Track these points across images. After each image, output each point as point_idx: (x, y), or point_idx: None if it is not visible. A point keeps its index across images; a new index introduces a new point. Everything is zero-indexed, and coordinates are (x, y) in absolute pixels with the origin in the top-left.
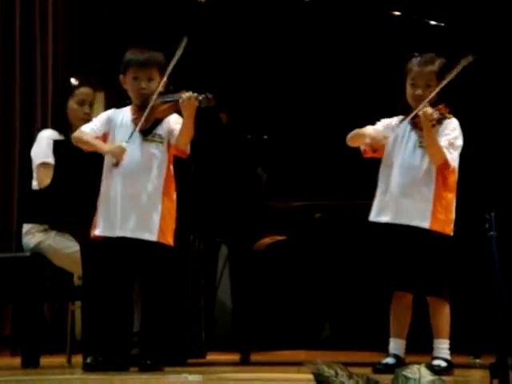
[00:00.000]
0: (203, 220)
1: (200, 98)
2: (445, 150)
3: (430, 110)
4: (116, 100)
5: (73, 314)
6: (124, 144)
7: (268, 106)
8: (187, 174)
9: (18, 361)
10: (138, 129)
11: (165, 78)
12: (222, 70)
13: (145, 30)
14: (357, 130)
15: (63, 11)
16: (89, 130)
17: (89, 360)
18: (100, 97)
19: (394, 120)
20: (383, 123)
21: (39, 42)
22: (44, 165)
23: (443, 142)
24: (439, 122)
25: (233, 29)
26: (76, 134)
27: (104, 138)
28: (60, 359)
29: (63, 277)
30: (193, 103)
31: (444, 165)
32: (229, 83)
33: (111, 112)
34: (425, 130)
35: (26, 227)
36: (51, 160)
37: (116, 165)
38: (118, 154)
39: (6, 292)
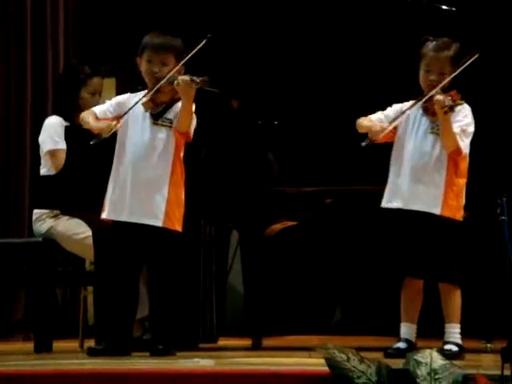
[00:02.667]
0: (214, 206)
1: (195, 78)
2: (458, 137)
3: (441, 97)
4: (127, 86)
5: (85, 299)
6: (114, 122)
7: (278, 91)
8: (197, 159)
9: (30, 345)
10: (142, 101)
11: (179, 66)
12: (233, 56)
13: (158, 17)
14: (358, 121)
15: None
16: (98, 111)
17: (93, 345)
18: (111, 83)
19: (406, 105)
20: (393, 109)
21: (50, 29)
22: (54, 151)
23: (456, 128)
24: (451, 108)
25: (244, 16)
26: (84, 113)
27: (117, 120)
28: (73, 344)
29: (75, 262)
30: (186, 82)
31: (456, 151)
32: (240, 69)
33: (126, 96)
34: (440, 118)
35: (36, 213)
36: (60, 146)
37: (97, 139)
38: (105, 129)
39: (19, 277)
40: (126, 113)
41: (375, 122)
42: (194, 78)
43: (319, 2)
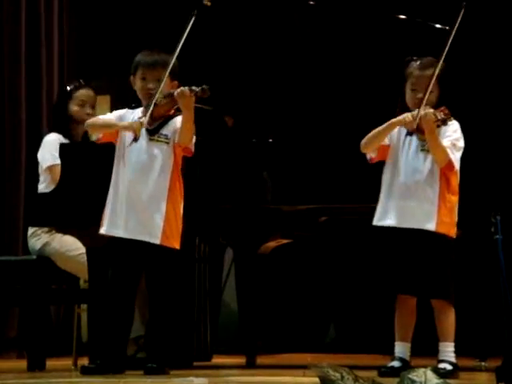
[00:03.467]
0: (209, 223)
1: (195, 88)
2: (448, 151)
3: (432, 111)
4: (122, 103)
5: (79, 317)
6: (142, 119)
7: (273, 109)
8: (193, 177)
9: (24, 363)
10: (146, 120)
11: (166, 75)
12: (227, 73)
13: (151, 34)
14: (368, 137)
15: (69, 16)
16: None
17: (86, 363)
18: (106, 100)
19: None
20: None
21: (45, 46)
22: (53, 166)
23: (446, 142)
24: (444, 122)
25: (238, 33)
26: (91, 120)
27: (116, 133)
28: (66, 362)
29: (69, 280)
30: (186, 94)
31: (447, 166)
32: (234, 87)
33: (124, 111)
34: (428, 132)
35: (31, 229)
36: (59, 161)
37: (135, 140)
38: (137, 128)
39: (13, 295)
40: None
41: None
42: (193, 87)
43: (312, 21)
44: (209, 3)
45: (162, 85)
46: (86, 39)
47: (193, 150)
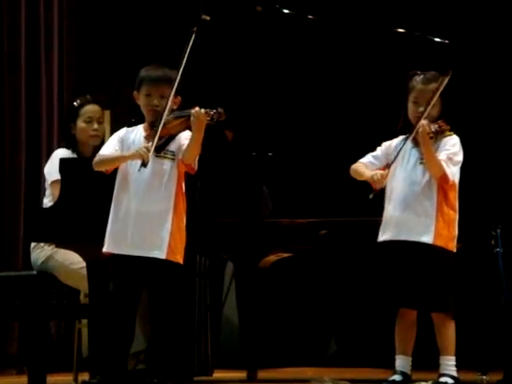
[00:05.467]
0: (209, 237)
1: (211, 112)
2: (443, 164)
3: (426, 122)
4: (123, 118)
5: (79, 332)
6: (150, 144)
7: (273, 123)
8: (193, 191)
9: (24, 379)
10: (153, 148)
11: (172, 94)
12: (227, 87)
13: (151, 49)
14: (352, 168)
15: (69, 29)
16: (105, 152)
17: (87, 379)
18: (106, 115)
19: (395, 141)
20: (383, 148)
21: (44, 60)
22: (56, 182)
23: (442, 156)
24: (437, 134)
25: (238, 47)
26: (96, 158)
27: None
28: (67, 378)
29: (69, 295)
30: (202, 118)
31: (443, 179)
32: (234, 100)
33: (123, 132)
34: (422, 144)
35: (33, 242)
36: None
37: (144, 166)
38: (145, 155)
39: (13, 310)
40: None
41: (371, 168)
42: (208, 110)
43: (312, 37)
44: (207, 18)
45: (169, 103)
46: (86, 54)
47: (196, 168)
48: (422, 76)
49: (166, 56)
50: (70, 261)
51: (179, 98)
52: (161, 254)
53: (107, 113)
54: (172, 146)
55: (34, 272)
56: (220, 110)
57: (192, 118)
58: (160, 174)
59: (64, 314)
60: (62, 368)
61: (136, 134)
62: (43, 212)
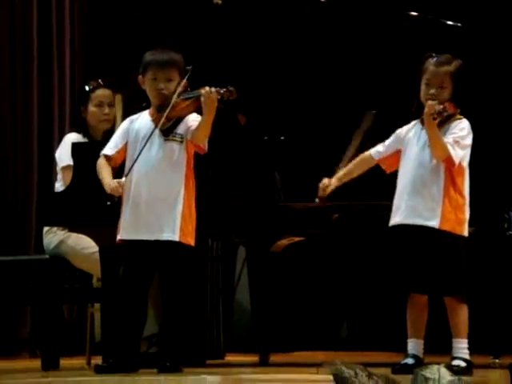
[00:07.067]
0: (221, 221)
1: (221, 91)
2: (449, 146)
3: (432, 103)
4: (134, 101)
5: (92, 316)
6: (123, 180)
7: (285, 107)
8: (205, 175)
9: (37, 363)
10: (159, 127)
11: (184, 81)
12: (239, 71)
13: (162, 32)
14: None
15: (80, 14)
16: (109, 151)
17: (100, 362)
18: (118, 99)
19: (408, 126)
20: (395, 134)
21: (56, 45)
22: (70, 167)
23: (449, 139)
24: (440, 114)
25: (251, 31)
26: (98, 162)
27: (123, 153)
28: (80, 361)
29: (82, 279)
30: (213, 97)
31: (448, 161)
32: (246, 85)
33: (126, 122)
34: (426, 124)
35: (46, 227)
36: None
37: (111, 201)
38: (115, 190)
39: (26, 294)
40: (141, 150)
41: (377, 157)
42: (219, 89)
43: (324, 20)
44: (220, 2)
45: (179, 89)
46: (97, 38)
47: (206, 148)
48: (435, 58)
49: (176, 38)
50: (83, 245)
51: (186, 81)
52: (173, 237)
53: (119, 97)
54: (180, 129)
55: (47, 256)
56: (231, 88)
57: (202, 98)
58: (169, 156)
59: (77, 298)
60: (75, 351)
61: (142, 119)
62: (56, 196)
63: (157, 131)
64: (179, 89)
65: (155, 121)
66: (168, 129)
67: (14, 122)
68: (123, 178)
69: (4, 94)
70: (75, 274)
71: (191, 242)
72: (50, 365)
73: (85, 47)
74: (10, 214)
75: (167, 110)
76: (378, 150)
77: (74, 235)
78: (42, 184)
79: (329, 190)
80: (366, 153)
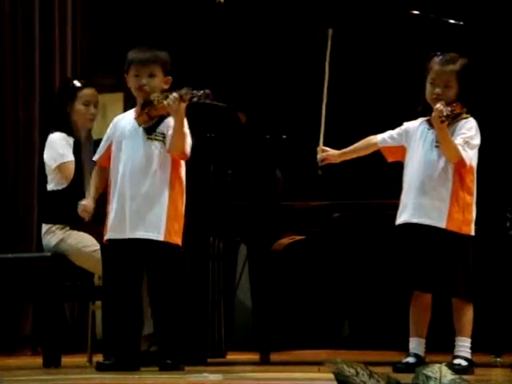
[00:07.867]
0: (222, 220)
1: (195, 92)
2: (460, 148)
3: (441, 106)
4: (134, 101)
5: (93, 314)
6: (85, 202)
7: (286, 106)
8: (206, 174)
9: (39, 360)
10: (141, 125)
11: (168, 78)
12: (240, 70)
13: (164, 30)
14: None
15: (82, 12)
16: (96, 156)
17: (101, 360)
18: (119, 98)
19: (415, 123)
20: (403, 128)
21: (58, 45)
22: (62, 165)
23: (458, 140)
24: (448, 117)
25: (253, 29)
26: (95, 167)
27: (108, 158)
28: (81, 359)
29: (84, 277)
30: (175, 106)
31: (460, 163)
32: (248, 83)
33: (113, 122)
34: (436, 127)
35: (45, 226)
36: (67, 158)
37: (82, 220)
38: (83, 214)
39: (27, 292)
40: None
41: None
42: (182, 92)
43: (325, 18)
44: (222, 1)
45: (161, 84)
46: (98, 36)
47: (188, 153)
48: (440, 57)
49: (178, 37)
50: (83, 244)
51: (170, 78)
52: (158, 236)
53: (120, 95)
54: (163, 128)
55: (49, 253)
56: (207, 91)
57: (166, 103)
58: (150, 156)
59: (78, 296)
60: (76, 349)
61: (126, 119)
62: (57, 194)
63: (140, 130)
64: (158, 83)
65: (137, 119)
66: (150, 127)
67: (15, 119)
68: (84, 201)
69: (4, 94)
70: (77, 271)
71: (178, 241)
72: (52, 362)
73: (86, 47)
74: (11, 212)
75: (147, 107)
76: (385, 139)
77: (75, 233)
78: (43, 182)
79: (330, 153)
80: (374, 136)
